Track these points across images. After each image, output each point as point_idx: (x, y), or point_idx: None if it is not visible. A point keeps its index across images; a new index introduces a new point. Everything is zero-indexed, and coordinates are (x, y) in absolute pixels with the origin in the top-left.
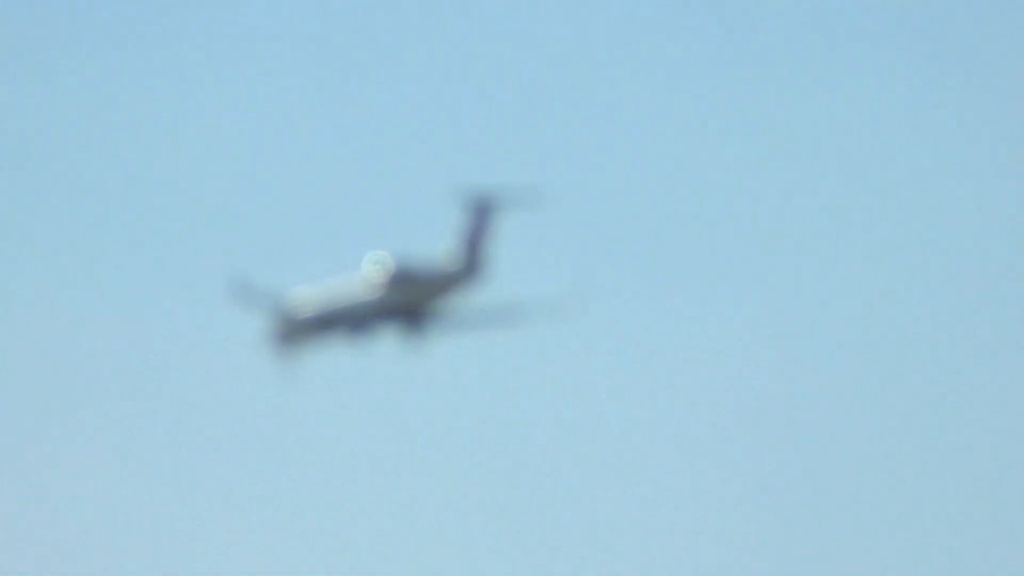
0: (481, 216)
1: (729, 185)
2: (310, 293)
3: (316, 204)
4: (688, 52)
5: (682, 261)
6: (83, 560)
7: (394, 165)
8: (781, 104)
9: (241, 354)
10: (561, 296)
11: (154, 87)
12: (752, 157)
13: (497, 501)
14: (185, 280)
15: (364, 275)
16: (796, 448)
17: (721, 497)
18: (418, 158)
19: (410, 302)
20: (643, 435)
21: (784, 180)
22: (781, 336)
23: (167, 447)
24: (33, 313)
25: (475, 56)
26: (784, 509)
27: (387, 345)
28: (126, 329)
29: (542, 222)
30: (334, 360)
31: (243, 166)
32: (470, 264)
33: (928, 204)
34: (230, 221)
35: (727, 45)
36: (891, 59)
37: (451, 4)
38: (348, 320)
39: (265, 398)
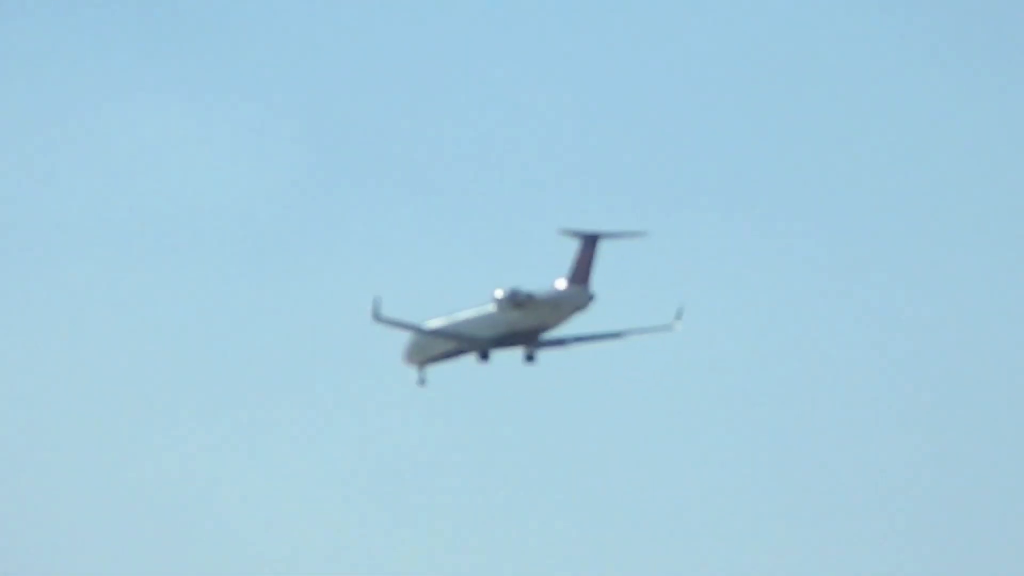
0: (588, 250)
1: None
2: (443, 318)
3: (450, 246)
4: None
5: (766, 288)
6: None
7: (514, 209)
8: (857, 134)
9: (387, 363)
10: (658, 320)
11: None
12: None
13: (595, 495)
14: (348, 308)
15: (490, 303)
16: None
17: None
18: (535, 202)
19: (527, 323)
20: (729, 441)
21: (850, 216)
22: (852, 370)
23: (322, 437)
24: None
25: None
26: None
27: (508, 359)
28: (292, 342)
29: (641, 255)
30: (464, 369)
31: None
32: (579, 291)
33: None
34: (385, 262)
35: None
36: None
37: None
38: (475, 338)
39: (405, 399)
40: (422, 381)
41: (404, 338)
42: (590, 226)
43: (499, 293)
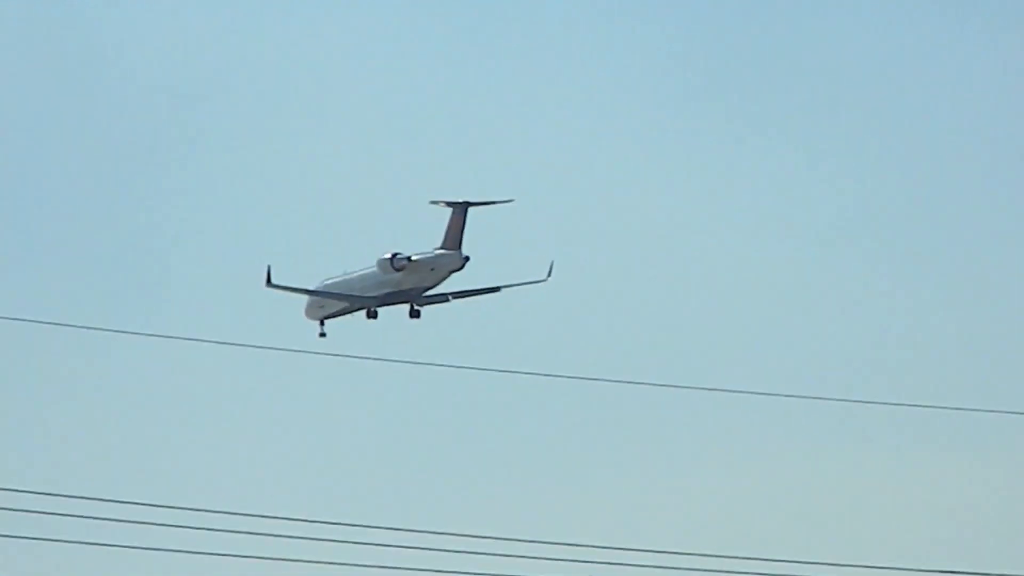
0: (459, 217)
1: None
2: (336, 278)
3: (338, 215)
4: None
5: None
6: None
7: (389, 177)
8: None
9: (285, 321)
10: (527, 278)
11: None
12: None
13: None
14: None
15: (377, 264)
16: None
17: None
18: (410, 170)
19: (409, 283)
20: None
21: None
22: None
23: (235, 384)
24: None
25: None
26: None
27: (395, 314)
28: (209, 310)
29: (508, 217)
30: (354, 324)
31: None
32: (454, 254)
33: None
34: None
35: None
36: None
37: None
38: (365, 297)
39: (304, 352)
40: (322, 334)
41: (303, 297)
42: (459, 196)
43: (386, 256)
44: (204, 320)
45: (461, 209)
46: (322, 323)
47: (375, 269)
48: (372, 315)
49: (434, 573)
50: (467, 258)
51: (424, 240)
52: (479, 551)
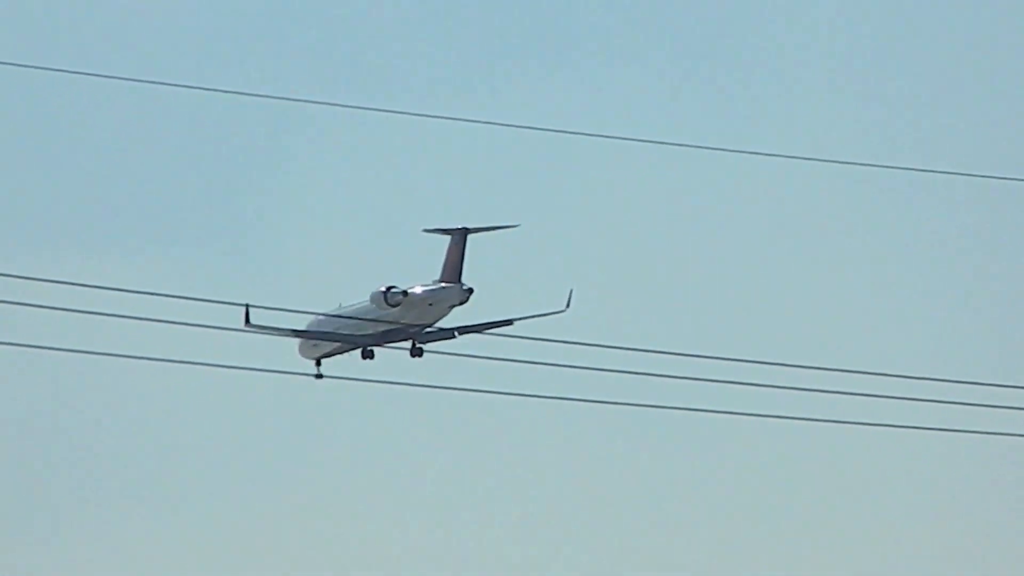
0: (459, 243)
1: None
2: (328, 315)
3: (328, 245)
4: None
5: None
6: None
7: (384, 209)
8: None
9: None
10: (540, 308)
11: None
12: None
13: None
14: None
15: (371, 299)
16: None
17: None
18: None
19: (406, 320)
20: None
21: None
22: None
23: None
24: None
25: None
26: None
27: (393, 352)
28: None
29: (514, 243)
30: (349, 364)
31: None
32: (455, 287)
33: None
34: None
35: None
36: None
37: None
38: (360, 335)
39: (299, 394)
40: (319, 376)
41: (293, 336)
42: (456, 222)
43: (380, 289)
44: None
45: (459, 237)
46: (318, 363)
47: (368, 304)
48: (368, 355)
49: None
50: (470, 290)
51: (425, 272)
52: None
